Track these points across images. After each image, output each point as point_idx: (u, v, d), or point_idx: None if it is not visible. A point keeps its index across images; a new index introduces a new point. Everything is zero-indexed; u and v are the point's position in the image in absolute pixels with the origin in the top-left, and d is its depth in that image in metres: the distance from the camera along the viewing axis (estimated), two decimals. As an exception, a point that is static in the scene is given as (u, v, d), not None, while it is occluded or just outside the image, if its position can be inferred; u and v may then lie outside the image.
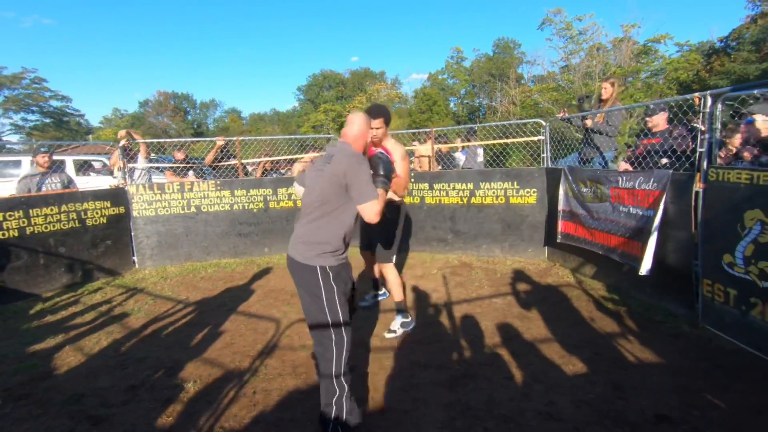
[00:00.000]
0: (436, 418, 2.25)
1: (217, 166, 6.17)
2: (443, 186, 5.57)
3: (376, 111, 3.20)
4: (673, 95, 19.11)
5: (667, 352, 2.83)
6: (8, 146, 19.20)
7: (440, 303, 3.96)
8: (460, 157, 7.47)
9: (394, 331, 3.28)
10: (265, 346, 3.18)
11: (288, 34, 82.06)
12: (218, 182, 5.73)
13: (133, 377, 2.78)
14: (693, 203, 3.10)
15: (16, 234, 4.44)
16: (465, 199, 5.46)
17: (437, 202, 5.64)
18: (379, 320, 3.62)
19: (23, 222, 4.49)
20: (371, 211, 2.04)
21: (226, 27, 79.47)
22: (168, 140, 6.55)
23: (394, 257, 3.47)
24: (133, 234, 5.46)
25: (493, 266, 5.05)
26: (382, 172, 2.18)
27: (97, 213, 5.10)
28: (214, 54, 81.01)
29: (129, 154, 5.51)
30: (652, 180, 3.39)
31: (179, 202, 5.58)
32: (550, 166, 5.13)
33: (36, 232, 4.59)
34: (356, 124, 2.24)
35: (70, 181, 5.25)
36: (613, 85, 4.44)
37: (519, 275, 4.66)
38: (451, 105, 45.14)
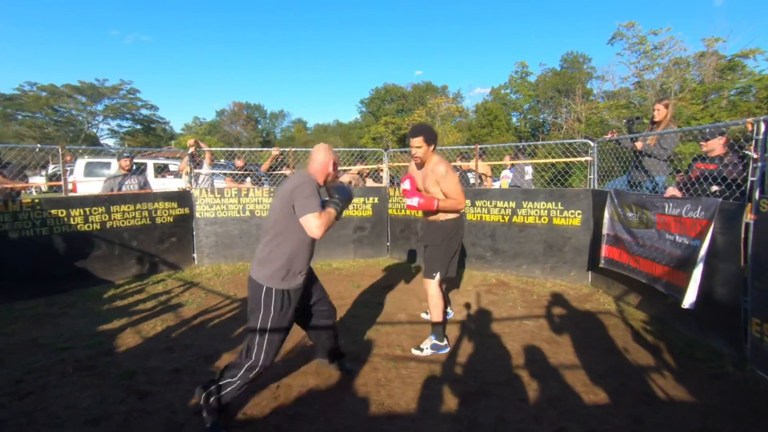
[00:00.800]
0: (441, 429, 2.31)
1: (272, 174, 6.63)
2: (485, 203, 5.57)
3: (416, 130, 3.22)
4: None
5: (703, 391, 2.66)
6: (105, 149, 21.67)
7: (468, 320, 3.97)
8: (508, 174, 7.39)
9: (421, 350, 3.24)
10: (294, 345, 3.40)
11: (355, 49, 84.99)
12: (271, 189, 6.17)
13: (178, 361, 3.11)
14: (743, 235, 2.90)
15: (99, 227, 5.10)
16: (506, 218, 5.41)
17: (478, 219, 5.64)
18: (412, 333, 3.71)
19: (105, 217, 5.14)
20: (310, 224, 2.17)
21: (299, 42, 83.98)
22: (230, 149, 7.14)
23: (437, 275, 3.32)
24: (194, 233, 6.02)
25: (531, 287, 4.95)
26: (337, 196, 2.37)
27: (165, 212, 5.70)
28: (286, 67, 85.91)
29: (196, 161, 6.10)
30: (699, 208, 3.20)
31: (236, 207, 6.08)
32: (596, 187, 4.96)
33: (114, 226, 5.23)
34: (315, 159, 2.43)
35: (146, 183, 5.92)
36: (666, 107, 4.23)
37: (556, 299, 4.54)
38: (514, 120, 44.15)
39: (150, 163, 11.09)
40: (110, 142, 37.94)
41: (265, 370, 2.30)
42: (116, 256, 5.27)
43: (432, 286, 3.33)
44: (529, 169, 6.99)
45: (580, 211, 4.91)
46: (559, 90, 37.92)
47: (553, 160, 5.62)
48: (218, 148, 6.79)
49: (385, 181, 6.61)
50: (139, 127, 39.65)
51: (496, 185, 7.84)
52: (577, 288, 4.87)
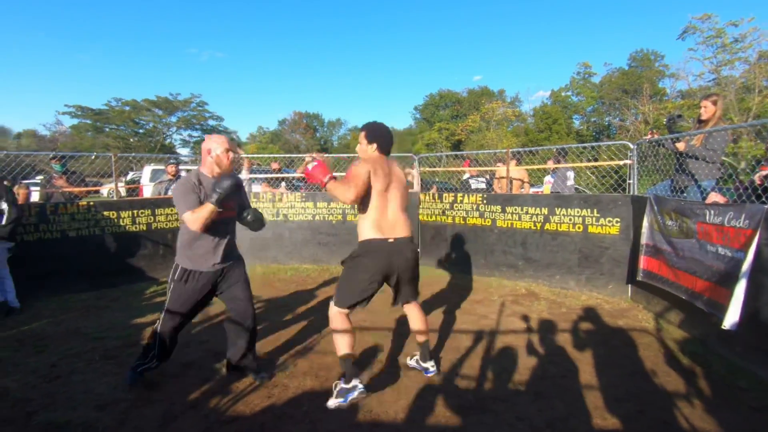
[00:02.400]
0: (424, 442, 2.21)
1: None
2: (516, 210, 5.32)
3: (363, 125, 2.85)
4: None
5: (737, 425, 2.33)
6: (174, 157, 23.54)
7: (485, 330, 3.80)
8: (550, 179, 7.01)
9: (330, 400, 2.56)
10: (303, 347, 3.45)
11: (413, 55, 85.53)
12: (303, 194, 6.34)
13: (190, 356, 3.28)
14: (793, 247, 2.51)
15: (144, 228, 5.54)
16: (538, 225, 5.12)
17: (509, 225, 5.40)
18: (408, 342, 3.62)
19: (150, 219, 5.57)
20: (187, 222, 2.50)
21: (358, 51, 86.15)
22: (268, 155, 7.45)
23: (334, 302, 2.76)
24: (232, 235, 6.33)
25: (562, 299, 4.63)
26: (216, 188, 2.47)
27: (205, 215, 6.06)
28: (344, 76, 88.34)
29: (234, 167, 6.43)
30: (743, 216, 2.83)
31: (270, 210, 6.32)
32: (636, 193, 4.55)
33: (159, 228, 5.65)
34: (202, 152, 2.72)
35: (190, 188, 6.34)
36: (715, 103, 3.78)
37: (587, 313, 4.21)
38: (576, 123, 41.96)
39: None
40: (183, 151, 41.22)
41: (162, 353, 2.73)
42: (160, 255, 5.68)
43: (331, 313, 2.76)
44: (570, 174, 6.59)
45: (618, 219, 4.53)
46: (626, 90, 35.45)
47: (584, 165, 5.24)
48: (255, 155, 7.10)
49: (416, 187, 6.54)
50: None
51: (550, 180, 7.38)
52: (614, 302, 4.48)
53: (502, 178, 6.12)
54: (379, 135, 2.77)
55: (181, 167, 6.41)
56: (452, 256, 6.00)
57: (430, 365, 2.92)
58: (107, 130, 37.16)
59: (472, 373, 2.98)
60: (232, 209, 2.78)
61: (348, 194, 2.54)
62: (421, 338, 2.93)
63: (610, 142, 5.31)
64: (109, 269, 5.24)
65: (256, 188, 6.87)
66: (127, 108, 37.73)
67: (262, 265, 6.28)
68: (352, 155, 7.17)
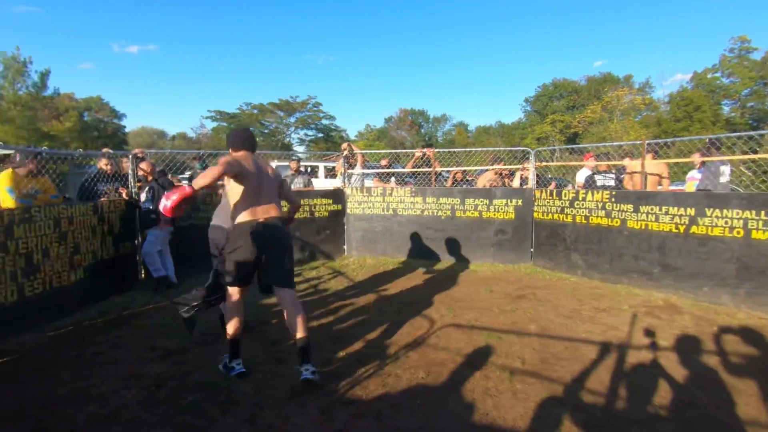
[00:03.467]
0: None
1: (416, 173, 6.88)
2: (652, 209, 4.67)
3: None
4: None
5: None
6: (295, 153, 25.76)
7: (614, 342, 3.41)
8: (695, 175, 6.03)
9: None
10: (414, 340, 3.48)
11: (522, 45, 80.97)
12: (413, 189, 6.41)
13: (311, 338, 3.52)
14: None
15: (272, 218, 6.13)
16: (682, 227, 4.43)
17: (642, 227, 4.77)
18: (539, 347, 3.41)
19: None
20: None
21: (462, 45, 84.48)
22: (377, 151, 7.67)
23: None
24: (345, 227, 6.69)
25: (712, 316, 3.95)
26: None
27: (322, 208, 6.49)
28: (449, 71, 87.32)
29: (349, 163, 6.77)
30: None
31: (381, 204, 6.52)
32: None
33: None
34: None
35: (309, 182, 6.85)
36: None
37: (747, 334, 3.52)
38: (726, 110, 35.69)
39: (321, 166, 12.85)
40: (299, 149, 44.88)
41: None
42: (283, 243, 6.24)
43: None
44: (726, 170, 5.56)
45: (796, 224, 3.70)
46: (799, 67, 28.90)
47: (745, 157, 4.34)
48: (367, 150, 7.36)
49: (531, 182, 6.15)
50: (321, 135, 45.88)
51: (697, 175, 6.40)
52: (785, 325, 3.68)
53: (635, 173, 5.43)
54: (233, 139, 3.01)
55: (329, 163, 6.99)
56: (570, 258, 5.52)
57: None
58: (239, 131, 42.25)
59: (600, 389, 2.70)
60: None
61: (190, 188, 2.84)
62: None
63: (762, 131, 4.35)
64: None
65: (369, 183, 7.14)
66: (255, 111, 42.34)
67: (372, 257, 6.52)
68: (456, 149, 7.04)
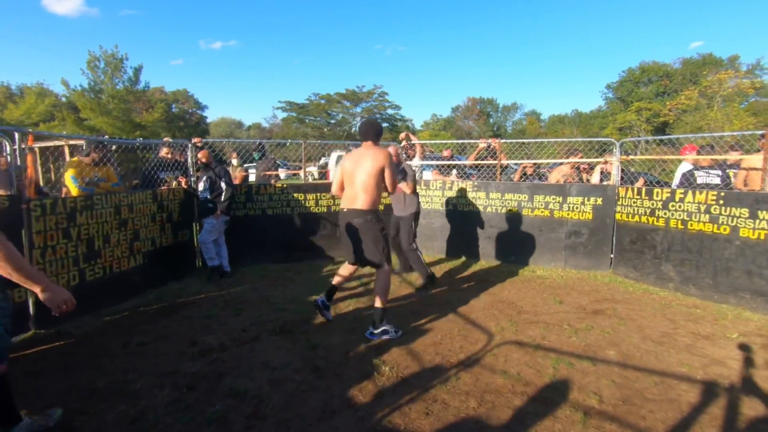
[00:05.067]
0: None
1: (479, 165, 6.33)
2: (767, 215, 3.77)
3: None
4: None
5: None
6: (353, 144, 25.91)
7: (720, 383, 2.73)
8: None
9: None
10: (467, 357, 3.07)
11: (604, 27, 74.34)
12: (475, 183, 5.88)
13: (353, 345, 3.25)
14: None
15: (325, 210, 5.96)
16: (818, 240, 3.51)
17: (762, 237, 3.88)
18: (619, 380, 2.84)
19: (330, 201, 5.96)
20: None
21: (537, 30, 79.53)
22: (438, 141, 7.18)
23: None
24: (401, 222, 6.34)
25: None
26: None
27: (377, 201, 6.19)
28: (521, 58, 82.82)
29: (408, 153, 6.38)
30: None
31: (439, 199, 6.07)
32: None
33: (335, 210, 6.01)
34: None
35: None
36: None
37: None
38: None
39: None
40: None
41: None
42: (336, 237, 6.04)
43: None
44: None
45: None
46: None
47: None
48: (427, 141, 6.91)
49: (614, 178, 5.34)
50: (386, 125, 45.82)
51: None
52: None
53: (753, 169, 4.46)
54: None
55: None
56: (661, 268, 4.71)
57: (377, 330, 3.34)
58: (307, 120, 43.46)
59: (705, 448, 2.11)
60: None
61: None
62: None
63: None
64: (297, 245, 5.82)
65: (427, 175, 6.72)
66: (323, 101, 43.24)
67: (428, 255, 6.11)
68: (526, 140, 6.35)
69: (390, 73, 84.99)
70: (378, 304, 3.33)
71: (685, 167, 5.48)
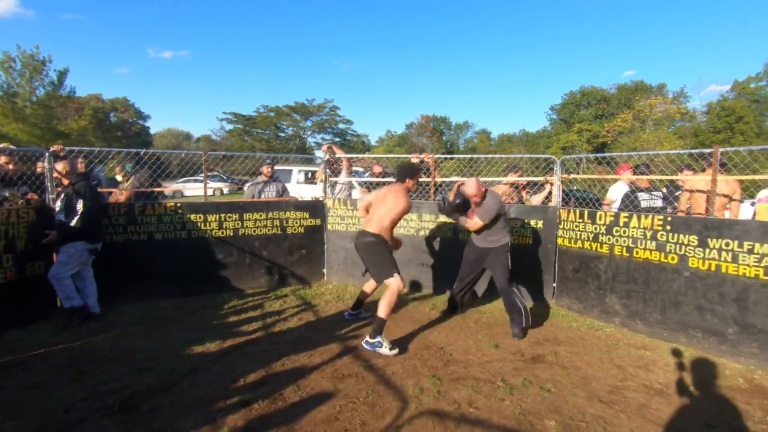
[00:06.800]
0: None
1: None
2: (728, 244, 3.33)
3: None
4: None
5: None
6: (272, 158, 24.89)
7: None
8: (765, 196, 4.63)
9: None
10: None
11: (549, 53, 78.79)
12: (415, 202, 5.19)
13: (207, 396, 2.36)
14: None
15: (231, 234, 5.02)
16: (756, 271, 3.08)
17: (712, 268, 3.43)
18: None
19: (238, 224, 5.04)
20: None
21: (488, 51, 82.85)
22: (364, 156, 6.50)
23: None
24: (325, 247, 5.53)
25: (831, 416, 2.59)
26: None
27: (296, 222, 5.35)
28: (473, 78, 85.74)
29: (333, 168, 5.62)
30: None
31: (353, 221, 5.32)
32: None
33: (246, 234, 5.10)
34: None
35: (285, 191, 5.73)
36: None
37: None
38: (770, 122, 33.22)
39: (295, 170, 11.43)
40: (317, 153, 44.27)
41: None
42: (246, 264, 5.13)
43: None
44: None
45: None
46: None
47: None
48: (353, 155, 6.19)
49: (555, 199, 4.85)
50: (338, 139, 45.10)
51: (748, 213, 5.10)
52: None
53: (698, 192, 4.07)
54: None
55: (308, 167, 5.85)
56: (605, 300, 4.21)
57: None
58: (254, 133, 41.83)
59: None
60: None
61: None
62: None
63: None
64: (196, 277, 4.83)
65: (356, 194, 5.97)
66: (272, 114, 41.89)
67: (355, 284, 5.31)
68: (476, 155, 5.80)
69: (346, 89, 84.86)
70: (380, 313, 3.39)
71: (621, 188, 5.12)
